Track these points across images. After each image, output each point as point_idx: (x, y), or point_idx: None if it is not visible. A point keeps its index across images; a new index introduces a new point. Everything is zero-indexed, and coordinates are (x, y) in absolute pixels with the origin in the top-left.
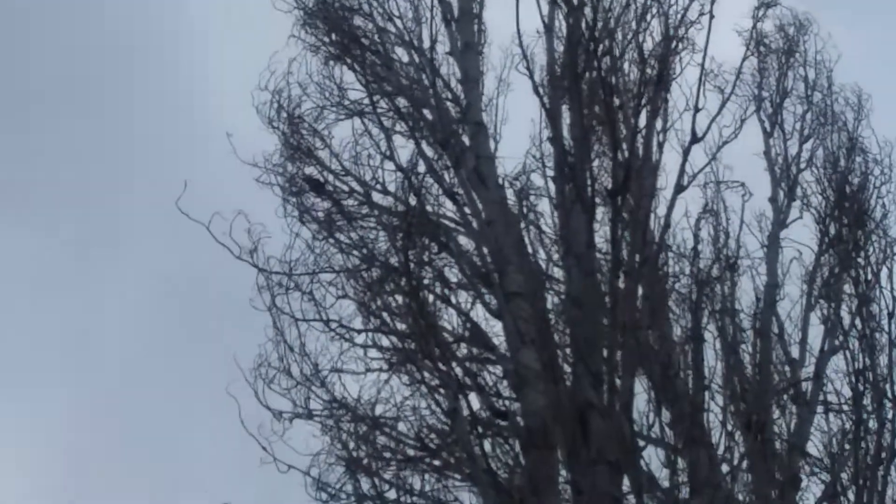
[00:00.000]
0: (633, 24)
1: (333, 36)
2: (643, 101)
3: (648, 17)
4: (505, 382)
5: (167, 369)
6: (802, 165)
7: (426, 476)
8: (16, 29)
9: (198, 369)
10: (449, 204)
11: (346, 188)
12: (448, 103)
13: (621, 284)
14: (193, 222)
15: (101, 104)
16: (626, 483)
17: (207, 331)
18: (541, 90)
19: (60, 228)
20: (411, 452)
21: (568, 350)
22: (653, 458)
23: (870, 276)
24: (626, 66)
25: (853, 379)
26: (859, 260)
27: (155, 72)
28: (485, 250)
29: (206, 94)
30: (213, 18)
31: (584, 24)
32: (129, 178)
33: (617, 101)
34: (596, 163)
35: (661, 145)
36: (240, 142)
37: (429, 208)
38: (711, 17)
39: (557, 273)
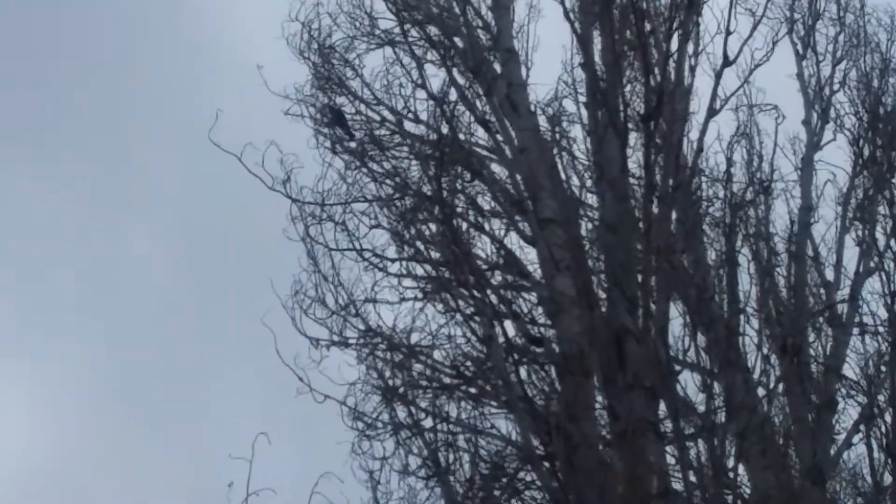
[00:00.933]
0: None
1: None
2: (674, 25)
3: None
4: (540, 309)
5: (197, 306)
6: (836, 87)
7: (462, 404)
8: None
9: (229, 304)
10: (481, 132)
11: (378, 117)
12: (479, 31)
13: (655, 209)
14: (224, 155)
15: (124, 41)
16: (662, 408)
17: (238, 265)
18: (572, 15)
19: (83, 169)
20: (447, 380)
21: (602, 276)
22: (688, 382)
23: None
24: None
25: (889, 300)
26: (894, 181)
27: (178, 6)
28: (518, 177)
29: (235, 26)
30: None
31: None
32: (156, 114)
33: (648, 26)
34: (628, 88)
35: (692, 69)
36: (270, 73)
37: (461, 136)
38: None
39: (591, 199)
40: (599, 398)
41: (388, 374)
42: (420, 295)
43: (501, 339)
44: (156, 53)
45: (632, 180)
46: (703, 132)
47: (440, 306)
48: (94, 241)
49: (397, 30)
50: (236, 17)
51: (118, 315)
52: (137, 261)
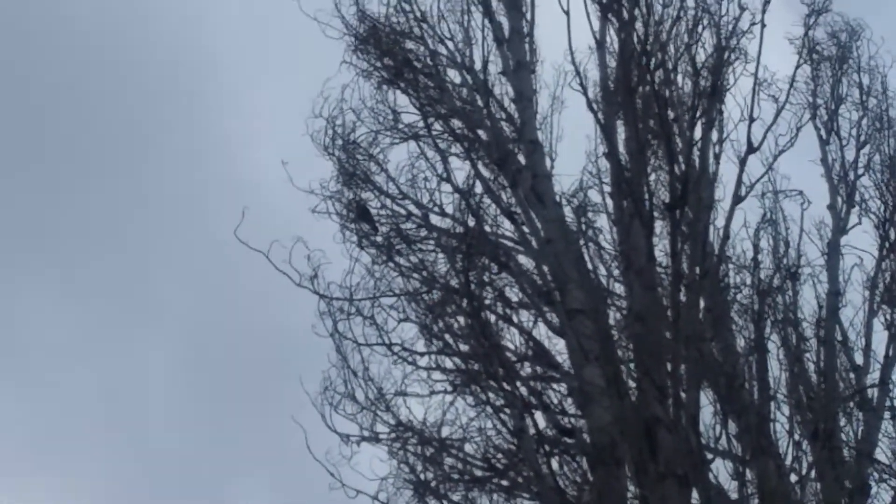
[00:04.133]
0: (685, 37)
1: (385, 60)
2: (698, 113)
3: (700, 28)
4: (570, 400)
5: (220, 410)
6: (860, 171)
7: (494, 496)
8: (55, 79)
9: (254, 405)
10: (507, 224)
11: (403, 212)
12: (503, 123)
13: (683, 297)
14: (250, 253)
15: (143, 145)
16: (695, 496)
17: (265, 365)
18: (595, 106)
19: (99, 280)
20: (479, 473)
21: (632, 365)
22: (721, 470)
23: None
24: (679, 78)
25: None
26: None
27: (203, 109)
28: (545, 268)
29: (259, 124)
30: (264, 48)
31: (635, 39)
32: (176, 218)
33: (672, 114)
34: (653, 177)
35: (717, 157)
36: (295, 169)
37: (487, 229)
38: (763, 26)
39: (618, 288)
40: (632, 488)
41: (419, 468)
42: (450, 388)
43: (532, 431)
44: (176, 155)
45: (659, 269)
46: (728, 219)
47: (470, 399)
48: (112, 352)
49: (421, 124)
50: (260, 115)
51: (138, 425)
52: (157, 371)
